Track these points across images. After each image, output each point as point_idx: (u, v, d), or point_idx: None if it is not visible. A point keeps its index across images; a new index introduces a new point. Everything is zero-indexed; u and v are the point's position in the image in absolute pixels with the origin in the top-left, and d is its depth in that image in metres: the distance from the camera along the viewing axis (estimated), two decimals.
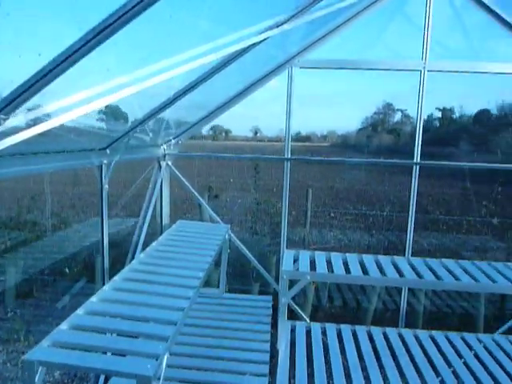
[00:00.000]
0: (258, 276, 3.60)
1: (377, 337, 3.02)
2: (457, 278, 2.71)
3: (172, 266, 2.43)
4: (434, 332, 3.13)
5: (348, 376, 2.55)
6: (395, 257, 3.05)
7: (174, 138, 3.31)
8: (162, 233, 2.95)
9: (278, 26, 2.03)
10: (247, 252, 3.39)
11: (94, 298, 1.96)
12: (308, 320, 3.29)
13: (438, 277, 2.73)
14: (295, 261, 2.95)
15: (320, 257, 2.99)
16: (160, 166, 3.28)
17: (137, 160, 3.36)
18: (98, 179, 2.69)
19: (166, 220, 3.28)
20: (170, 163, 3.36)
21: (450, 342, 3.00)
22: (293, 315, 3.49)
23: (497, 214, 5.30)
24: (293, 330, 3.08)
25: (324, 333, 3.07)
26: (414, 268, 2.87)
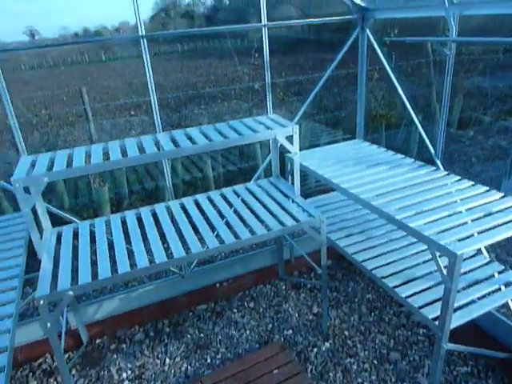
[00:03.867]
0: None
1: (145, 215, 3.18)
2: (194, 142, 2.91)
3: None
4: (197, 196, 3.45)
5: (112, 259, 2.67)
6: (142, 137, 3.09)
7: None
8: None
9: None
10: None
11: None
12: (78, 221, 3.24)
13: (177, 145, 2.89)
14: (34, 166, 2.72)
15: (61, 155, 2.81)
16: None
17: None
18: None
19: None
20: None
21: (211, 202, 3.37)
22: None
23: (257, 80, 5.82)
24: (60, 236, 3.01)
25: (94, 227, 3.09)
26: (157, 143, 2.98)
